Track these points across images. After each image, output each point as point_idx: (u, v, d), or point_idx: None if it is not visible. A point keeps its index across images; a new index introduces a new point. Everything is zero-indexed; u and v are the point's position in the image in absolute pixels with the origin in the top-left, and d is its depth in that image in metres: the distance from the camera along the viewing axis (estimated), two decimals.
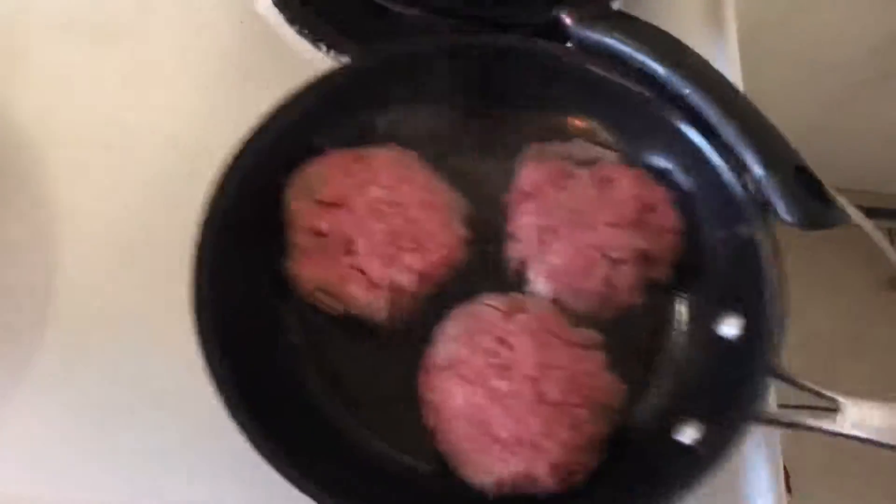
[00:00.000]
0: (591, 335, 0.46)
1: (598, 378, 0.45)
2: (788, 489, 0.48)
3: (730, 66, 0.58)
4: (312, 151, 0.50)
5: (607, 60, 0.49)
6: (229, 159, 0.45)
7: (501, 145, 0.53)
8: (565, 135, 0.53)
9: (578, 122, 0.53)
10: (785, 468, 0.47)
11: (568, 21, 0.49)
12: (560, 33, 0.50)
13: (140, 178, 0.54)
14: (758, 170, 0.44)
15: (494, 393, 0.44)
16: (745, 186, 0.47)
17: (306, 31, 0.53)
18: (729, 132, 0.45)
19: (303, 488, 0.39)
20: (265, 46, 0.57)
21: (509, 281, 0.49)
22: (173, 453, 0.46)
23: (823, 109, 1.04)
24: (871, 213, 0.46)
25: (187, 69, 0.58)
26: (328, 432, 0.45)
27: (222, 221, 0.44)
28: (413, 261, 0.46)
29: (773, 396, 0.47)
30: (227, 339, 0.43)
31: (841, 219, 0.45)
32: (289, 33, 0.54)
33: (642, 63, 0.47)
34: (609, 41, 0.48)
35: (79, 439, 0.47)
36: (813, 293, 1.25)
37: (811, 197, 0.45)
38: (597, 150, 0.53)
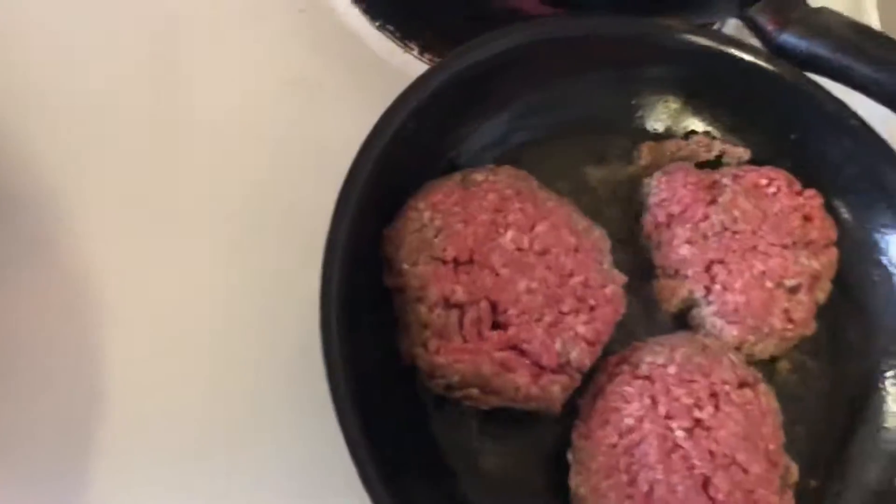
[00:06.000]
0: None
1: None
2: None
3: None
4: (407, 187, 0.37)
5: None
6: (332, 225, 0.32)
7: (610, 150, 0.43)
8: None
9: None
10: None
11: (769, 26, 0.39)
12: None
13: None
14: None
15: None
16: None
17: (391, 28, 0.40)
18: None
19: None
20: (334, 45, 0.44)
21: (668, 326, 0.40)
22: None
23: None
24: None
25: (237, 74, 0.45)
26: None
27: (342, 292, 0.32)
28: (581, 327, 0.35)
29: None
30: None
31: None
32: (367, 30, 0.40)
33: (859, 71, 0.39)
34: (818, 48, 0.39)
35: None
36: None
37: None
38: (717, 145, 0.45)
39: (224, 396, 0.37)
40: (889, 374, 0.41)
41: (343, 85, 0.44)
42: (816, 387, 0.41)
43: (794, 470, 0.38)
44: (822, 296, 0.42)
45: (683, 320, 0.40)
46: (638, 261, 0.41)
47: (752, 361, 0.40)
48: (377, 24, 0.45)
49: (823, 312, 0.42)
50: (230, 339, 0.38)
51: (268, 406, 0.37)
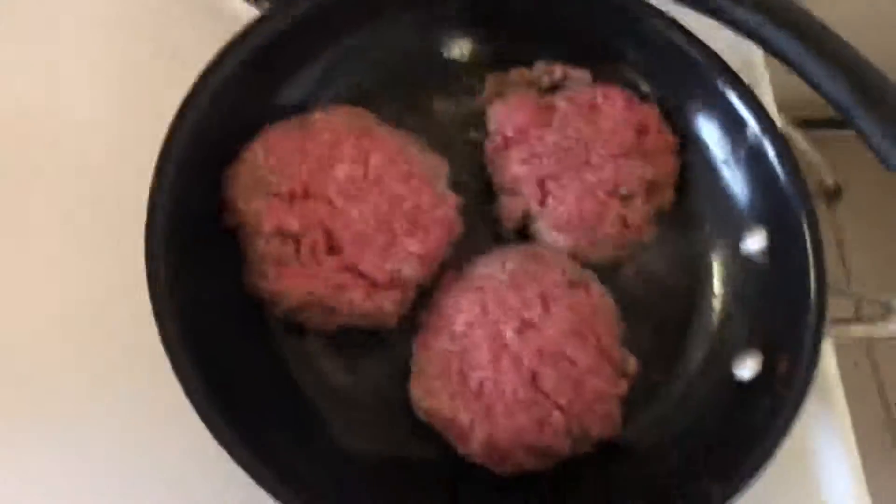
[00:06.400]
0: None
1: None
2: None
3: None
4: (246, 132, 0.40)
5: None
6: (156, 169, 0.35)
7: (455, 83, 0.46)
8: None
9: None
10: None
11: None
12: None
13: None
14: (853, 108, 0.38)
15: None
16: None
17: None
18: (819, 72, 0.38)
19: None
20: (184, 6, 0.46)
21: (511, 241, 0.43)
22: None
23: None
24: None
25: (88, 45, 0.46)
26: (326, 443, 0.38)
27: (170, 239, 0.34)
28: (413, 245, 0.38)
29: None
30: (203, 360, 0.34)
31: None
32: None
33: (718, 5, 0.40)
34: None
35: None
36: None
37: None
38: (558, 70, 0.47)
39: (84, 372, 0.39)
40: (716, 261, 0.44)
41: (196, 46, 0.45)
42: (658, 287, 0.44)
43: (633, 362, 0.41)
44: (664, 202, 0.45)
45: (525, 235, 0.43)
46: (482, 184, 0.44)
47: (593, 267, 0.43)
48: None
49: (665, 217, 0.45)
50: (85, 317, 0.40)
51: (130, 379, 0.39)
